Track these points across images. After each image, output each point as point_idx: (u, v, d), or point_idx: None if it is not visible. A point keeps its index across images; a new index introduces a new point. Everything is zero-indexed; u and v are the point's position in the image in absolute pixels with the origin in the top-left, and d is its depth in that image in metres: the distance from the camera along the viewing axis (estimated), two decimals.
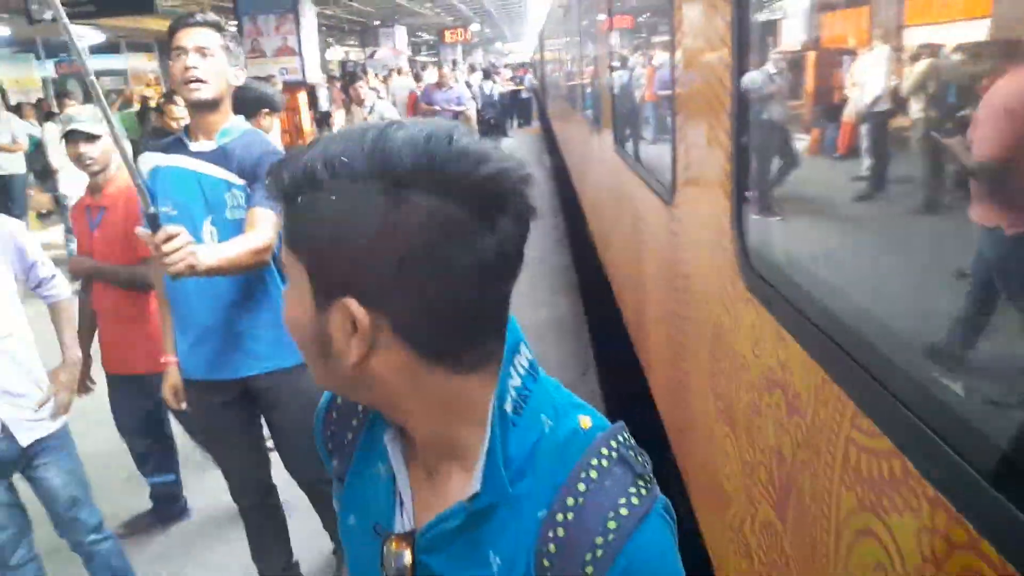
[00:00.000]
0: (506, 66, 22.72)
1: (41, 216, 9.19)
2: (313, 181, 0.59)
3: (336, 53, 23.39)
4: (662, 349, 2.22)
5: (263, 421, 2.24)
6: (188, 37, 1.85)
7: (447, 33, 23.25)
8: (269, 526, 2.36)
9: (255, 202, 1.90)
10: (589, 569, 0.61)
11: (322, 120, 10.08)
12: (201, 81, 1.85)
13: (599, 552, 0.61)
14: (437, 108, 8.22)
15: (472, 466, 0.67)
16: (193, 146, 1.95)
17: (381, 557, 0.71)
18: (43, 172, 6.67)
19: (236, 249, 1.80)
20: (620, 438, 0.67)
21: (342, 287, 0.60)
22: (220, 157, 1.93)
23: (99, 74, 9.06)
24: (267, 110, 3.41)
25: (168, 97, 4.91)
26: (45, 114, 7.58)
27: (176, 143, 1.99)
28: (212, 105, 1.90)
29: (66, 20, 1.36)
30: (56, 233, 7.49)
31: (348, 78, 8.75)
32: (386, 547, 0.71)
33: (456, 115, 7.91)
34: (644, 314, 2.61)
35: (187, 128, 1.98)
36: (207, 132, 1.94)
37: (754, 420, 1.25)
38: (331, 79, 14.37)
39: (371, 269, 0.58)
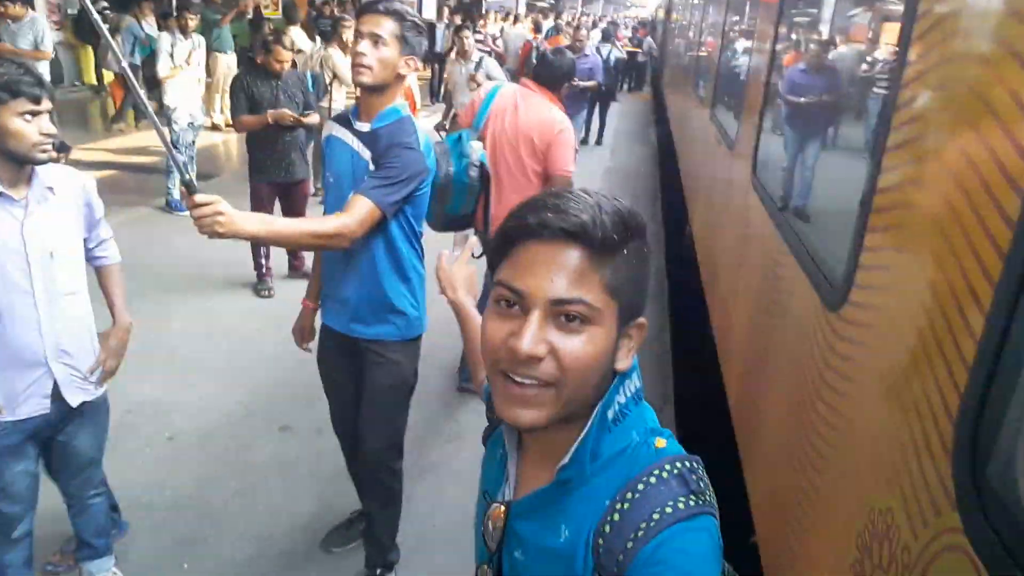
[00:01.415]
0: (625, 26, 21.64)
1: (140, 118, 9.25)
2: (633, 237, 0.81)
3: None
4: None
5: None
6: (365, 23, 1.99)
7: None
8: (354, 463, 2.60)
9: (362, 188, 2.02)
10: (629, 544, 0.76)
11: (435, 60, 9.69)
12: (365, 67, 1.98)
13: (640, 533, 0.75)
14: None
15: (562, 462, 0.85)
16: (356, 124, 2.14)
17: (483, 517, 0.96)
18: (149, 81, 6.57)
19: (291, 226, 2.07)
20: (688, 463, 0.82)
21: (637, 310, 0.85)
22: (369, 139, 2.09)
23: None
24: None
25: (276, 37, 4.66)
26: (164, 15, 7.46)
27: (347, 117, 2.18)
28: (373, 89, 2.05)
29: None
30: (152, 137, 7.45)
31: (455, 26, 8.21)
32: (489, 509, 0.94)
33: (584, 90, 7.14)
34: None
35: (357, 103, 2.17)
36: (367, 113, 2.11)
37: None
38: (452, 13, 13.85)
39: (646, 290, 0.84)
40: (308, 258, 5.20)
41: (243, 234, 1.82)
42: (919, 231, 1.19)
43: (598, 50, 10.70)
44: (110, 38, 1.62)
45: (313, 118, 4.70)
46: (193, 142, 6.55)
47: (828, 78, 2.29)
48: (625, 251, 0.80)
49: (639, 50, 16.58)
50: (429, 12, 10.19)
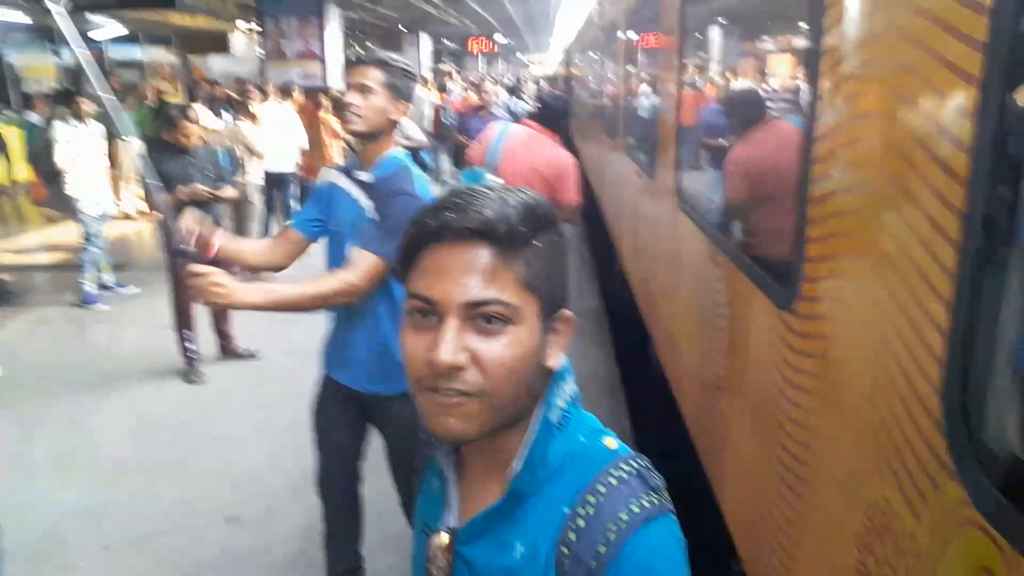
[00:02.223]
0: (528, 81, 22.30)
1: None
2: (548, 225, 0.80)
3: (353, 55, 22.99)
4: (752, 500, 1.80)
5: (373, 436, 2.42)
6: (353, 75, 2.08)
7: (472, 42, 22.88)
8: (336, 529, 2.49)
9: (363, 241, 2.05)
10: (601, 549, 0.74)
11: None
12: (356, 116, 2.05)
13: (611, 536, 0.74)
14: (469, 140, 6.19)
15: (512, 472, 0.81)
16: (357, 173, 2.17)
17: (426, 552, 0.88)
18: (48, 174, 6.29)
19: (294, 292, 2.01)
20: (640, 461, 0.81)
21: (559, 302, 0.82)
22: (370, 189, 2.12)
23: (118, 65, 8.88)
24: None
25: (181, 111, 4.54)
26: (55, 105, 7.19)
27: (349, 167, 2.22)
28: (367, 136, 2.11)
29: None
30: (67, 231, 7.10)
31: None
32: (431, 540, 0.88)
33: None
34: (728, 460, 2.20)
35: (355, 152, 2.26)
36: (367, 161, 2.16)
37: None
38: None
39: (566, 282, 0.83)
40: (240, 339, 4.99)
41: (245, 304, 1.88)
42: (865, 208, 1.20)
43: (507, 108, 10.96)
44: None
45: (228, 192, 4.56)
46: (102, 234, 6.27)
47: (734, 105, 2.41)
48: (537, 243, 0.77)
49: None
50: (335, 81, 10.21)
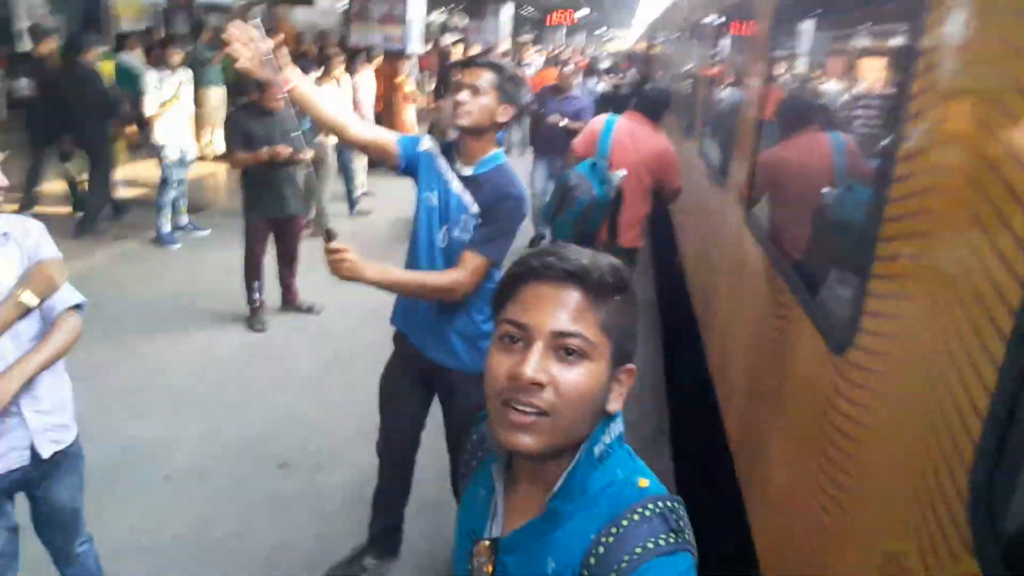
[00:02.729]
0: (607, 55, 21.95)
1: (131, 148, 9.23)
2: (624, 288, 0.91)
3: (438, 17, 23.01)
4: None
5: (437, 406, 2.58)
6: (467, 76, 2.21)
7: (553, 14, 22.63)
8: (389, 487, 2.70)
9: (474, 243, 2.22)
10: (613, 575, 0.81)
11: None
12: (465, 112, 2.17)
13: (623, 564, 0.82)
14: (550, 120, 6.38)
15: (552, 494, 0.91)
16: (458, 165, 2.29)
17: (470, 557, 0.99)
18: (138, 118, 6.59)
19: (407, 278, 2.27)
20: (669, 503, 0.88)
21: (627, 356, 0.92)
22: (472, 183, 2.25)
23: (204, 10, 9.04)
24: None
25: None
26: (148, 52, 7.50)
27: (449, 151, 2.32)
28: (472, 132, 2.22)
29: None
30: (151, 169, 7.41)
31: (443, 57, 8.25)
32: (475, 548, 0.98)
33: (570, 132, 5.77)
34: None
35: (458, 143, 2.29)
36: (468, 156, 2.27)
37: None
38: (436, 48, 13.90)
39: (635, 339, 0.93)
40: (301, 293, 5.20)
41: (364, 279, 2.10)
42: (929, 272, 1.24)
43: (584, 83, 10.87)
44: None
45: (308, 153, 4.74)
46: (184, 178, 6.56)
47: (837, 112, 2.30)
48: (617, 298, 0.90)
49: (622, 83, 16.82)
50: (416, 47, 10.30)
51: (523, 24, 28.03)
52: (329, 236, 2.08)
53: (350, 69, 7.45)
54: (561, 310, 0.87)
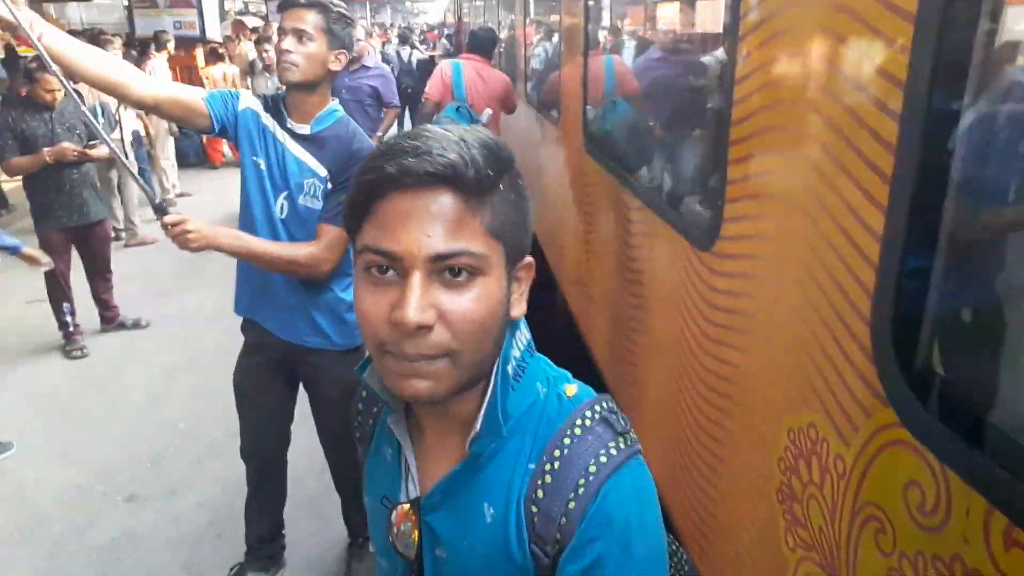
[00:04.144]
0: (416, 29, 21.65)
1: None
2: (510, 166, 0.73)
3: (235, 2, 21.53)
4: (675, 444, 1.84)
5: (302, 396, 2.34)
6: (288, 18, 1.91)
7: None
8: (261, 493, 2.41)
9: (328, 213, 1.96)
10: (571, 505, 0.71)
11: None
12: (290, 64, 1.90)
13: (581, 490, 0.71)
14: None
15: (471, 432, 0.76)
16: (290, 123, 2.00)
17: (389, 528, 0.83)
18: None
19: (265, 246, 1.96)
20: (604, 404, 0.78)
21: (523, 249, 0.76)
22: (312, 143, 1.99)
23: None
24: None
25: (41, 64, 4.09)
26: None
27: (276, 107, 2.02)
28: (303, 87, 1.95)
29: None
30: None
31: (255, 39, 7.68)
32: (393, 515, 0.82)
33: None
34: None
35: (284, 98, 2.02)
36: (301, 114, 1.99)
37: None
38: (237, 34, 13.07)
39: (529, 227, 0.76)
40: (122, 307, 4.66)
41: (217, 246, 1.88)
42: (785, 148, 1.22)
43: (398, 54, 10.62)
44: None
45: (101, 150, 4.18)
46: None
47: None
48: (501, 187, 0.71)
49: (436, 52, 16.74)
50: (212, 31, 9.53)
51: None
52: (161, 210, 1.85)
53: (139, 59, 6.73)
54: (435, 225, 0.67)
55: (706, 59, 2.02)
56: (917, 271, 0.89)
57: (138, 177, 1.91)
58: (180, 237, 1.82)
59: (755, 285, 1.35)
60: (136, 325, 4.67)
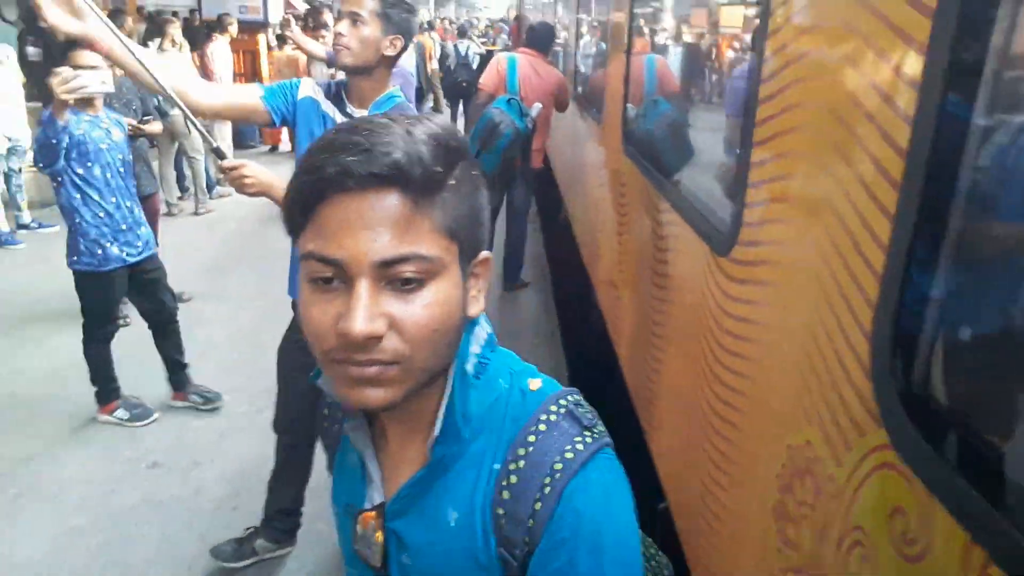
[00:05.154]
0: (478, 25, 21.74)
1: None
2: (462, 157, 0.68)
3: None
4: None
5: None
6: (345, 2, 1.94)
7: None
8: (286, 468, 2.46)
9: None
10: (538, 506, 0.68)
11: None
12: (344, 47, 1.91)
13: (547, 490, 0.68)
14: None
15: (433, 436, 0.72)
16: (349, 109, 2.02)
17: (355, 536, 0.80)
18: None
19: None
20: (569, 398, 0.75)
21: (479, 244, 0.71)
22: None
23: None
24: None
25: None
26: None
27: (337, 93, 2.04)
28: (358, 71, 1.96)
29: None
30: None
31: (310, 20, 7.80)
32: (357, 522, 0.79)
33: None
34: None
35: (346, 84, 2.05)
36: (360, 99, 2.01)
37: None
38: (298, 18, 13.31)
39: (484, 220, 0.71)
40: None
41: (271, 193, 1.87)
42: (803, 152, 1.16)
43: (456, 47, 10.68)
44: None
45: (155, 125, 4.30)
46: (20, 169, 5.89)
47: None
48: (452, 181, 0.66)
49: (495, 47, 16.80)
50: (277, 16, 9.69)
51: None
52: (219, 155, 1.96)
53: (201, 42, 6.90)
54: (381, 230, 0.62)
55: (731, 58, 1.97)
56: (921, 285, 0.84)
57: (199, 125, 1.98)
58: (237, 180, 1.87)
59: (769, 293, 1.30)
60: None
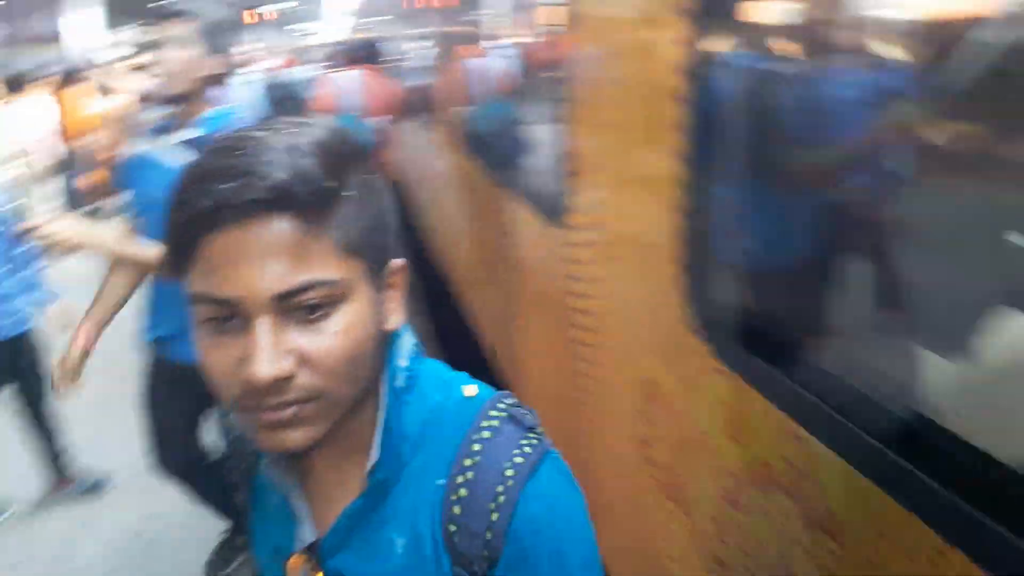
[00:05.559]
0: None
1: None
2: (357, 161, 0.62)
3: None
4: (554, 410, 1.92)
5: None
6: (154, 31, 1.84)
7: (245, 14, 21.33)
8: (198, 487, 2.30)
9: None
10: (494, 516, 0.63)
11: None
12: (159, 77, 1.83)
13: (501, 499, 0.63)
14: None
15: (368, 458, 0.67)
16: (177, 134, 1.88)
17: None
18: None
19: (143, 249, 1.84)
20: (507, 400, 0.70)
21: (388, 253, 0.65)
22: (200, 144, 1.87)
23: None
24: None
25: None
26: None
27: (161, 130, 1.92)
28: (178, 100, 1.86)
29: None
30: None
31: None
32: (288, 567, 0.71)
33: None
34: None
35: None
36: (184, 123, 1.88)
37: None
38: None
39: (390, 225, 0.65)
40: None
41: (95, 238, 1.83)
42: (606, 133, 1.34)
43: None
44: None
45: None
46: None
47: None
48: (348, 192, 0.59)
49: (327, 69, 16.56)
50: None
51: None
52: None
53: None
54: (274, 261, 0.56)
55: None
56: (712, 229, 1.02)
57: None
58: (47, 242, 1.78)
59: (599, 251, 1.47)
60: None
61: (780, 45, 1.19)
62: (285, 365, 0.57)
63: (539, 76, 2.39)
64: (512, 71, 2.66)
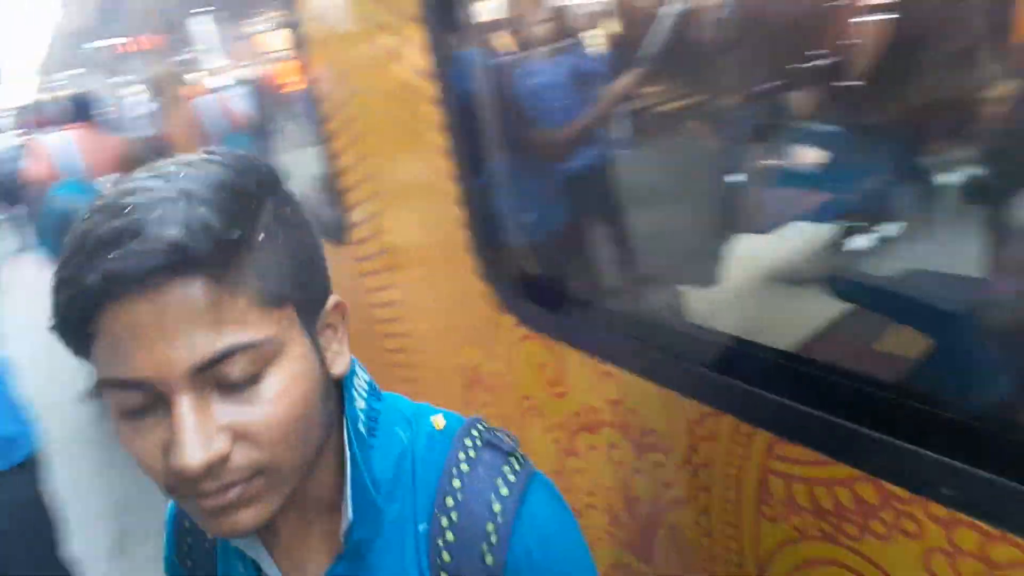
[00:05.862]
0: None
1: None
2: (268, 193, 0.54)
3: None
4: None
5: None
6: None
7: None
8: None
9: None
10: (489, 559, 0.59)
11: None
12: None
13: (493, 538, 0.59)
14: None
15: (339, 515, 0.61)
16: None
17: None
18: None
19: None
20: (479, 427, 0.65)
21: (321, 292, 0.58)
22: None
23: None
24: None
25: None
26: None
27: None
28: None
29: None
30: None
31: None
32: None
33: None
34: None
35: None
36: None
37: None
38: None
39: (319, 258, 0.58)
40: None
41: None
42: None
43: None
44: None
45: None
46: None
47: None
48: (261, 235, 0.52)
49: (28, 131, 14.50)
50: None
51: None
52: None
53: None
54: (184, 330, 0.48)
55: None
56: (488, 199, 1.12)
57: None
58: None
59: (388, 258, 1.52)
60: None
61: (501, 40, 1.35)
62: (217, 446, 0.50)
63: (275, 104, 2.38)
64: (245, 104, 2.62)
